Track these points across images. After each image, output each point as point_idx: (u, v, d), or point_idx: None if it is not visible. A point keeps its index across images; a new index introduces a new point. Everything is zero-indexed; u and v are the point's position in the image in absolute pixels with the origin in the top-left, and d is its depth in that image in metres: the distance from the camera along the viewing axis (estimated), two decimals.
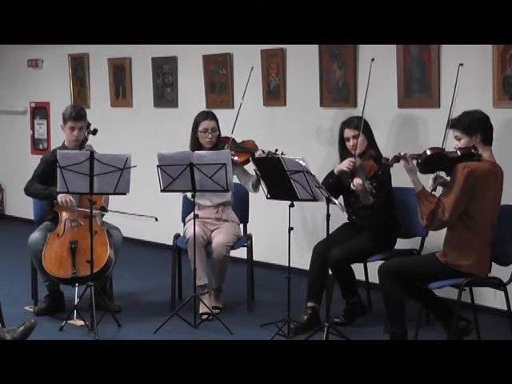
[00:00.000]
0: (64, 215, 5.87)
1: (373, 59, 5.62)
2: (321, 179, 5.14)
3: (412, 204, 5.45)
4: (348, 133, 5.62)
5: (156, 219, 5.80)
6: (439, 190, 4.94)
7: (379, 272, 5.01)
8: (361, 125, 5.49)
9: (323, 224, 5.38)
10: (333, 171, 5.67)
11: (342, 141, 5.69)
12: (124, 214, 5.88)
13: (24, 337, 4.76)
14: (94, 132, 6.15)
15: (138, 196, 6.41)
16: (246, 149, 6.00)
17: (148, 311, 6.11)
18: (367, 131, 5.63)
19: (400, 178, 5.53)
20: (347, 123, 5.66)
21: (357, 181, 5.36)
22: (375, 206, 5.54)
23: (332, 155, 6.70)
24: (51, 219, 5.99)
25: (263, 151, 5.83)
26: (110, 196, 5.98)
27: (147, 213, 5.64)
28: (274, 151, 5.82)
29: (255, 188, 5.94)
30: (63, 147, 5.98)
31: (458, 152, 4.82)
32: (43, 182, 5.93)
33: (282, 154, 5.74)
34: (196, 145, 6.10)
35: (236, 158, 5.93)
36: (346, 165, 5.49)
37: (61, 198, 5.73)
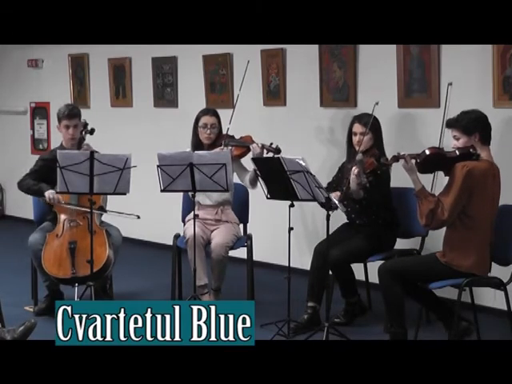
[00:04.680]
0: (63, 215, 5.87)
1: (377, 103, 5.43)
2: (321, 179, 5.13)
3: (412, 204, 5.46)
4: (356, 128, 5.61)
5: (138, 217, 5.78)
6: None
7: (379, 272, 5.01)
8: (369, 123, 5.47)
9: (323, 224, 5.37)
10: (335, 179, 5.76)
11: (351, 135, 5.69)
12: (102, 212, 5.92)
13: (24, 337, 4.76)
14: (92, 132, 6.14)
15: (137, 196, 6.41)
16: (242, 143, 6.04)
17: None
18: (376, 130, 5.60)
19: (400, 177, 5.53)
20: (358, 118, 5.64)
21: (353, 170, 5.34)
22: (364, 202, 5.54)
23: (332, 155, 6.71)
24: (51, 219, 5.99)
25: (258, 144, 5.87)
26: (108, 196, 5.99)
27: (148, 213, 5.66)
28: (269, 145, 5.87)
29: (252, 184, 5.90)
30: (61, 147, 5.97)
31: (457, 152, 4.82)
32: (38, 180, 5.93)
33: (277, 147, 5.81)
34: (196, 141, 6.11)
35: (232, 149, 5.97)
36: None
37: (48, 194, 5.74)
